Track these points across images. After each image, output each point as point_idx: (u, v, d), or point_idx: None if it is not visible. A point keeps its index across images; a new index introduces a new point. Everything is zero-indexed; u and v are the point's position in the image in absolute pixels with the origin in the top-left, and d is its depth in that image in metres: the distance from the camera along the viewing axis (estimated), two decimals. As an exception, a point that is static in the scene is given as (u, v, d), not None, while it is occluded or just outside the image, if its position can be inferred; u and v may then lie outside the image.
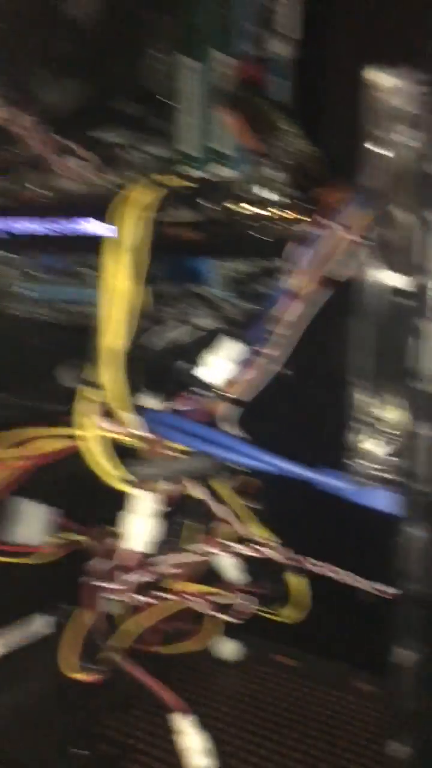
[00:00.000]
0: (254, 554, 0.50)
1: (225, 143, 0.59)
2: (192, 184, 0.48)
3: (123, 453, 0.46)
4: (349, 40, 0.61)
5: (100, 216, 0.53)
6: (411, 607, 0.35)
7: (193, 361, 0.61)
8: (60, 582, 0.61)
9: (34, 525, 0.57)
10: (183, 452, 0.45)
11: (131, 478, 0.42)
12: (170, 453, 0.45)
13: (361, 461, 0.38)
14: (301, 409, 0.61)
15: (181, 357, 0.62)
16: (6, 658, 0.60)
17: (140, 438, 0.46)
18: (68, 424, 0.53)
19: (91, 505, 0.59)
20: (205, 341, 0.60)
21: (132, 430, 0.46)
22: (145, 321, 0.61)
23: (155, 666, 0.55)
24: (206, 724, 0.53)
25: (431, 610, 0.35)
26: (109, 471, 0.45)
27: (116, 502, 0.49)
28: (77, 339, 0.72)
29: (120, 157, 0.65)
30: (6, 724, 0.54)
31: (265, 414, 0.54)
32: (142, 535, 0.44)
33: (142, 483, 0.42)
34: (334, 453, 0.42)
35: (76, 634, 0.55)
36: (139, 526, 0.44)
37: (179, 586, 0.55)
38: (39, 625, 0.64)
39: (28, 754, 0.50)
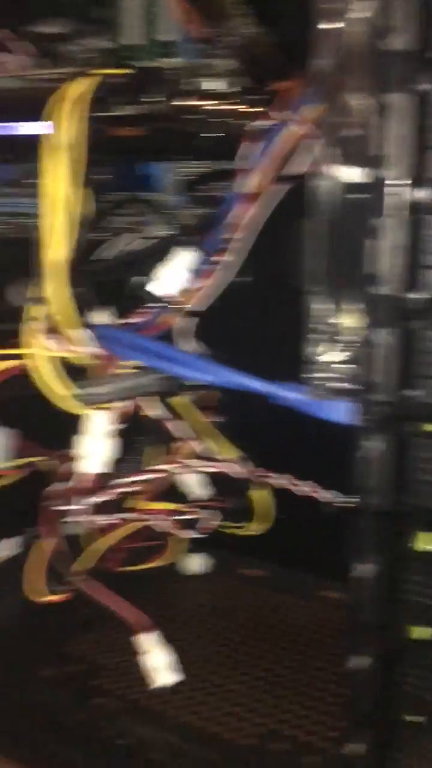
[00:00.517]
0: (216, 470, 0.49)
1: (171, 32, 0.54)
2: (131, 72, 0.43)
3: (74, 373, 0.44)
4: None
5: (37, 115, 0.49)
6: (369, 520, 0.34)
7: (145, 272, 0.58)
8: (22, 505, 0.60)
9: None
10: (135, 369, 0.42)
11: (83, 398, 0.40)
12: (122, 371, 0.43)
13: (319, 372, 0.36)
14: (256, 319, 0.58)
15: (132, 269, 0.59)
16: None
17: (90, 356, 0.43)
18: (16, 344, 0.50)
19: (48, 427, 0.57)
20: (158, 251, 0.57)
21: (81, 348, 0.43)
22: (93, 232, 0.58)
23: (122, 585, 0.55)
24: (174, 638, 0.53)
25: (389, 522, 0.34)
26: (59, 391, 0.42)
27: (74, 423, 0.47)
28: (25, 254, 0.68)
29: (60, 50, 0.60)
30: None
31: (220, 326, 0.52)
32: (98, 455, 0.42)
33: (94, 403, 0.40)
34: (292, 365, 0.41)
35: (40, 557, 0.54)
36: (95, 446, 0.42)
37: (142, 505, 0.54)
38: (3, 548, 0.63)
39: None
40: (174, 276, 0.50)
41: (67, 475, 0.49)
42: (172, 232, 0.58)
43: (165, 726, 0.45)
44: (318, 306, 0.38)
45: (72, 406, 0.42)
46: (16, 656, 0.52)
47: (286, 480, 0.51)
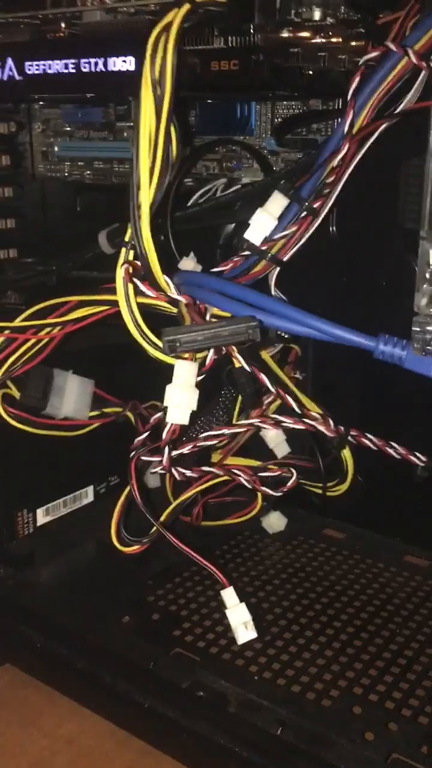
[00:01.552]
0: (302, 427, 0.47)
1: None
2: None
3: (163, 321, 0.42)
4: None
5: (128, 50, 0.47)
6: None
7: (237, 219, 0.56)
8: (104, 454, 0.61)
9: (78, 399, 0.56)
10: (224, 318, 0.40)
11: (171, 344, 0.39)
12: (210, 320, 0.41)
13: (429, 324, 0.34)
14: (356, 270, 0.55)
15: (224, 215, 0.57)
16: (55, 529, 0.60)
17: (179, 303, 0.42)
18: (107, 290, 0.49)
19: (132, 377, 0.56)
20: (251, 196, 0.54)
21: (171, 294, 0.42)
22: (185, 175, 0.56)
23: (202, 539, 0.55)
24: (253, 595, 0.53)
25: None
26: (148, 338, 0.41)
27: (159, 373, 0.46)
28: (115, 200, 0.67)
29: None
30: (56, 592, 0.55)
31: (315, 277, 0.49)
32: (183, 406, 0.41)
33: (182, 350, 0.39)
34: (393, 318, 0.38)
35: (122, 505, 0.54)
36: (180, 396, 0.41)
37: (225, 459, 0.53)
38: (87, 496, 0.64)
39: (77, 622, 0.51)
40: (267, 223, 0.48)
41: (152, 426, 0.48)
42: (266, 177, 0.56)
43: (244, 682, 0.45)
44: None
45: (160, 355, 0.41)
46: (97, 603, 0.53)
47: (377, 440, 0.48)
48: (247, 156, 0.58)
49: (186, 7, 0.38)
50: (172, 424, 0.42)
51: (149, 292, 0.41)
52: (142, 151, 0.40)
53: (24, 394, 0.53)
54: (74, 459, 0.59)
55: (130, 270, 0.42)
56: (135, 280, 0.42)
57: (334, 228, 0.54)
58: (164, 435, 0.43)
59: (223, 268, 0.48)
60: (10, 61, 0.51)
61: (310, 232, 0.48)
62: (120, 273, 0.41)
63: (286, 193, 0.47)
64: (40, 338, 0.49)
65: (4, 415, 0.51)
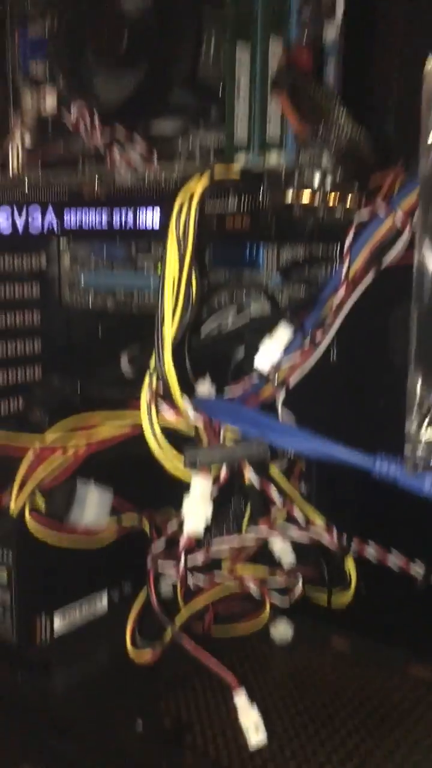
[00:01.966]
0: (307, 538, 0.51)
1: (278, 129, 0.59)
2: (242, 173, 0.48)
3: (181, 439, 0.47)
4: (396, 20, 0.60)
5: (156, 207, 0.54)
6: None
7: (246, 346, 0.62)
8: (122, 560, 0.64)
9: (97, 508, 0.60)
10: (238, 439, 0.45)
11: (190, 459, 0.43)
12: (226, 440, 0.46)
13: (420, 451, 0.39)
14: (355, 394, 0.61)
15: (235, 343, 0.63)
16: (70, 635, 0.63)
17: (196, 424, 0.47)
18: (128, 409, 0.55)
19: (151, 486, 0.61)
20: (258, 327, 0.61)
21: (190, 416, 0.47)
22: (201, 308, 0.62)
23: (209, 646, 0.57)
24: (260, 705, 0.54)
25: None
26: (170, 457, 0.46)
27: (176, 484, 0.50)
28: (137, 327, 0.74)
29: (174, 145, 0.67)
30: (71, 698, 0.57)
31: (318, 400, 0.55)
32: (199, 518, 0.45)
33: (200, 465, 0.44)
34: (390, 438, 0.43)
35: (138, 613, 0.57)
36: (197, 509, 0.45)
37: (234, 566, 0.56)
38: (102, 602, 0.66)
39: (92, 727, 0.53)
40: (274, 351, 0.54)
41: (169, 533, 0.52)
42: (273, 310, 0.62)
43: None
44: (417, 383, 0.40)
45: (180, 469, 0.46)
46: (111, 709, 0.55)
47: (377, 551, 0.52)
48: (256, 291, 0.65)
49: (205, 181, 0.46)
50: (188, 536, 0.46)
51: (171, 416, 0.46)
52: (167, 295, 0.47)
53: (49, 505, 0.57)
54: (90, 565, 0.63)
55: (152, 394, 0.48)
56: (156, 402, 0.47)
57: (335, 357, 0.60)
58: (180, 545, 0.47)
59: (235, 391, 0.54)
60: (50, 214, 0.59)
61: (314, 360, 0.54)
62: (145, 397, 0.46)
63: (292, 325, 0.54)
64: (66, 455, 0.54)
65: (31, 527, 0.55)
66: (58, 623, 0.62)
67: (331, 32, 0.58)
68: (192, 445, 0.44)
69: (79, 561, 0.61)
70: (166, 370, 0.47)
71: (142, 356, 0.66)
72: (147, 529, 0.62)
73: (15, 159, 0.73)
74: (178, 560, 0.49)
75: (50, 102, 0.73)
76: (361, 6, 0.58)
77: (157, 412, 0.47)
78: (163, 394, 0.48)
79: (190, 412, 0.47)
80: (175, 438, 0.48)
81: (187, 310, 0.47)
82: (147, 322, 0.72)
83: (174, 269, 0.47)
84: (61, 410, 0.72)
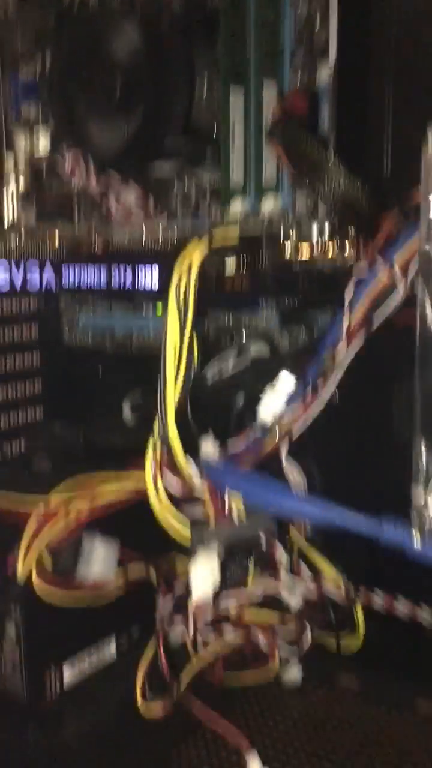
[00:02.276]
0: (314, 592, 0.51)
1: (274, 173, 0.59)
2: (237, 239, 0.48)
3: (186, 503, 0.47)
4: (388, 66, 0.59)
5: (154, 265, 0.54)
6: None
7: (249, 397, 0.62)
8: (129, 606, 0.64)
9: (104, 562, 0.59)
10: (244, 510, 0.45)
11: (198, 542, 0.43)
12: (231, 514, 0.46)
13: (426, 521, 0.39)
14: (361, 456, 0.61)
15: (235, 390, 0.63)
16: (80, 684, 0.63)
17: (204, 496, 0.47)
18: (131, 466, 0.55)
19: (157, 533, 0.60)
20: (260, 374, 0.61)
21: (196, 485, 0.47)
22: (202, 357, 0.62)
23: (219, 694, 0.57)
24: (269, 751, 0.54)
25: None
26: (180, 527, 0.46)
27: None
28: (138, 371, 0.74)
29: (170, 188, 0.66)
30: (77, 749, 0.57)
31: (323, 459, 0.55)
32: (207, 585, 0.45)
33: (208, 546, 0.43)
34: (394, 502, 0.43)
35: (147, 666, 0.57)
36: (204, 576, 0.45)
37: (243, 616, 0.56)
38: (109, 652, 0.66)
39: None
40: (277, 402, 0.53)
41: (174, 593, 0.52)
42: (273, 355, 0.62)
43: None
44: (422, 450, 0.40)
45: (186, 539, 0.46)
46: (120, 762, 0.55)
47: (384, 599, 0.52)
48: (255, 336, 0.65)
49: (204, 248, 0.46)
50: (196, 604, 0.46)
51: (177, 488, 0.46)
52: (169, 362, 0.47)
53: (56, 564, 0.57)
54: (97, 616, 0.63)
55: (155, 458, 0.48)
56: (160, 467, 0.47)
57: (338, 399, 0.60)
58: (190, 612, 0.47)
59: (238, 444, 0.54)
60: (48, 270, 0.59)
61: (317, 410, 0.54)
62: (149, 467, 0.46)
63: (294, 374, 0.54)
64: (70, 517, 0.54)
65: (40, 591, 0.55)
66: (68, 675, 0.62)
67: (324, 74, 0.58)
68: (198, 524, 0.44)
69: (87, 612, 0.61)
70: (171, 437, 0.47)
71: (144, 403, 0.65)
72: (154, 579, 0.61)
73: (10, 205, 0.73)
74: (187, 624, 0.48)
75: (44, 144, 0.72)
76: (354, 48, 0.58)
77: (160, 477, 0.47)
78: (168, 460, 0.47)
79: (196, 480, 0.47)
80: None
81: (190, 376, 0.47)
82: (147, 362, 0.73)
83: (175, 337, 0.47)
84: (64, 457, 0.73)
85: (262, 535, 0.43)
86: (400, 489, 0.40)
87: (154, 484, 0.47)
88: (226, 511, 0.46)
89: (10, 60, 0.73)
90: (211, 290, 0.49)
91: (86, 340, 0.79)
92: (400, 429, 0.44)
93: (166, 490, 0.47)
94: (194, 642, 0.52)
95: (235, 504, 0.47)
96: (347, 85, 0.58)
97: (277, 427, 0.53)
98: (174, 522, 0.46)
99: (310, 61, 0.58)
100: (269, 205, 0.59)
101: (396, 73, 0.59)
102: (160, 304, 0.70)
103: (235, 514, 0.46)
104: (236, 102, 0.60)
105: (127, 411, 0.65)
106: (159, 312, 0.71)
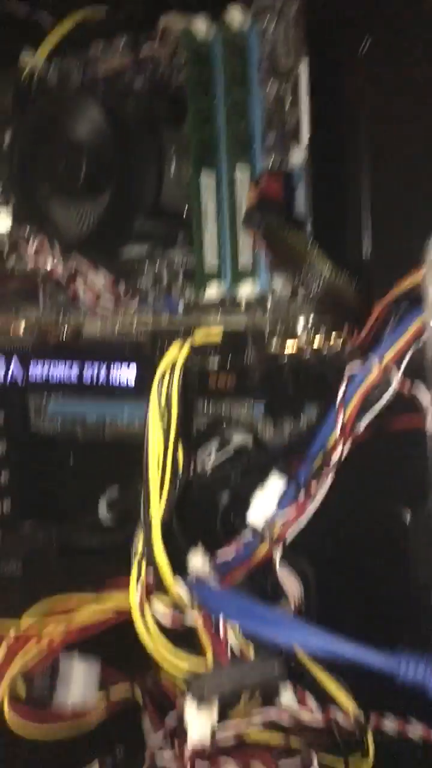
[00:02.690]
0: (321, 722, 0.46)
1: (250, 257, 0.57)
2: (224, 335, 0.45)
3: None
4: (363, 145, 0.58)
5: (130, 359, 0.51)
6: None
7: (238, 500, 0.58)
8: (113, 728, 0.58)
9: (84, 684, 0.54)
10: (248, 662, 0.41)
11: (195, 692, 0.39)
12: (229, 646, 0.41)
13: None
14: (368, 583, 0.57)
15: (224, 498, 0.59)
16: None
17: (198, 625, 0.42)
18: (113, 578, 0.50)
19: (141, 652, 0.56)
20: (249, 478, 0.57)
21: (188, 615, 0.42)
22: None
23: None
24: None
25: None
26: (172, 658, 0.41)
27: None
28: (107, 455, 0.70)
29: (141, 270, 0.63)
30: None
31: (322, 571, 0.51)
32: (204, 727, 0.41)
33: (207, 699, 0.39)
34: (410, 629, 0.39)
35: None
36: (200, 718, 0.40)
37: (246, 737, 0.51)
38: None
39: None
40: (267, 505, 0.50)
41: (166, 728, 0.47)
42: (259, 450, 0.58)
43: None
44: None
45: (180, 671, 0.41)
46: None
47: (396, 723, 0.48)
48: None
49: (186, 349, 0.42)
50: (193, 748, 0.42)
51: (166, 619, 0.42)
52: (152, 472, 0.43)
53: (30, 691, 0.51)
54: (78, 741, 0.57)
55: (141, 582, 0.43)
56: (146, 592, 0.43)
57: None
58: (186, 757, 0.42)
59: (228, 554, 0.50)
60: (14, 364, 0.54)
61: (310, 513, 0.50)
62: (135, 593, 0.42)
63: (283, 475, 0.50)
64: (44, 642, 0.49)
65: (12, 724, 0.50)
66: None
67: (298, 156, 0.56)
68: (194, 675, 0.39)
69: (67, 740, 0.56)
70: (157, 557, 0.42)
71: (121, 501, 0.61)
72: (140, 699, 0.56)
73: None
74: (183, 762, 0.43)
75: (4, 225, 0.69)
76: (327, 128, 0.57)
77: (147, 604, 0.42)
78: (155, 582, 0.43)
79: (188, 608, 0.42)
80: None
81: (176, 486, 0.43)
82: (121, 449, 0.69)
83: (159, 444, 0.43)
84: (35, 558, 0.68)
85: (271, 676, 0.38)
86: (417, 618, 0.36)
87: (140, 612, 0.42)
88: (224, 644, 0.41)
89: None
90: (194, 388, 0.45)
91: (55, 426, 0.75)
92: (417, 545, 0.41)
93: (154, 618, 0.42)
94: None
95: (232, 632, 0.42)
96: (321, 166, 0.56)
97: (269, 533, 0.49)
98: (167, 654, 0.42)
99: (281, 142, 0.57)
100: (246, 289, 0.56)
101: (373, 152, 0.57)
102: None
103: (232, 645, 0.41)
104: (207, 185, 0.58)
105: (103, 509, 0.61)
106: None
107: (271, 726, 0.52)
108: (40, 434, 0.75)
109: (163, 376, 0.43)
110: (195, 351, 0.43)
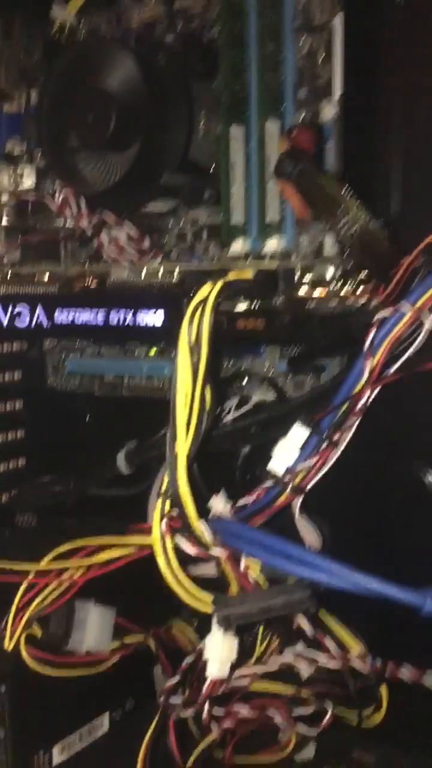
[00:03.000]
0: (338, 666, 0.46)
1: (277, 213, 0.56)
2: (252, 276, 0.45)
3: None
4: (397, 96, 0.58)
5: (157, 305, 0.51)
6: None
7: (259, 450, 0.58)
8: (122, 678, 0.58)
9: (99, 630, 0.54)
10: (275, 588, 0.41)
11: (222, 620, 0.38)
12: (258, 586, 0.41)
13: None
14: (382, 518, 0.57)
15: (243, 441, 0.59)
16: (71, 764, 0.57)
17: (222, 559, 0.42)
18: (132, 522, 0.50)
19: (156, 599, 0.56)
20: (268, 423, 0.57)
21: (213, 549, 0.42)
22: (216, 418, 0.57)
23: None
24: None
25: None
26: (193, 594, 0.41)
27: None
28: (125, 412, 0.70)
29: (166, 230, 0.63)
30: None
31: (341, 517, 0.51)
32: (224, 660, 0.41)
33: (233, 625, 0.39)
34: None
35: (145, 744, 0.52)
36: (221, 651, 0.40)
37: (256, 687, 0.51)
38: (102, 726, 0.61)
39: None
40: (289, 454, 0.50)
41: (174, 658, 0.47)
42: (281, 403, 0.58)
43: None
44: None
45: (205, 604, 0.41)
46: None
47: (411, 673, 0.48)
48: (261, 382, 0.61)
49: (220, 284, 0.42)
50: (212, 682, 0.42)
51: (191, 550, 0.42)
52: (180, 409, 0.43)
53: (46, 633, 0.51)
54: (90, 689, 0.57)
55: (164, 516, 0.43)
56: (177, 536, 0.43)
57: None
58: (204, 690, 0.42)
59: (249, 500, 0.50)
60: (39, 310, 0.54)
61: (331, 461, 0.50)
62: (158, 528, 0.42)
63: (306, 426, 0.50)
64: (62, 582, 0.49)
65: (28, 660, 0.50)
66: (57, 755, 0.56)
67: (329, 111, 0.56)
68: (220, 598, 0.39)
69: (79, 687, 0.56)
70: (182, 494, 0.42)
71: (140, 451, 0.61)
72: (153, 647, 0.56)
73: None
74: (201, 705, 0.43)
75: (29, 182, 0.69)
76: (359, 81, 0.56)
77: (169, 538, 0.42)
78: (178, 520, 0.43)
79: (211, 541, 0.42)
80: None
81: (202, 424, 0.43)
82: (139, 404, 0.69)
83: (187, 382, 0.43)
84: (51, 510, 0.68)
85: (298, 604, 0.38)
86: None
87: (162, 547, 0.42)
88: (248, 578, 0.41)
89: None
90: (222, 330, 0.45)
91: (73, 383, 0.75)
92: None
93: (176, 552, 0.42)
94: (206, 719, 0.46)
95: (252, 570, 0.42)
96: (352, 120, 0.56)
97: (289, 481, 0.49)
98: (188, 586, 0.42)
99: (313, 97, 0.56)
100: (272, 244, 0.56)
101: (403, 106, 0.57)
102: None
103: (253, 581, 0.41)
104: (237, 139, 0.58)
105: (120, 459, 0.60)
106: (152, 353, 0.67)
107: (284, 677, 0.52)
108: (57, 390, 0.76)
109: (193, 314, 0.42)
110: (226, 289, 0.43)
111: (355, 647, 0.47)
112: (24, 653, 0.50)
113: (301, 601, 0.38)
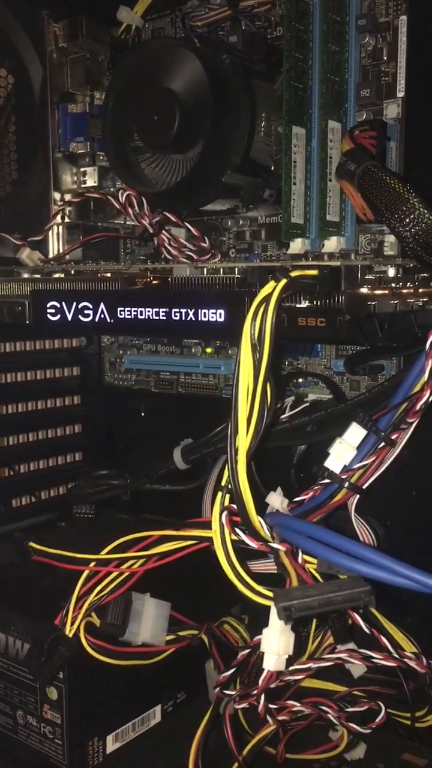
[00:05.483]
0: (393, 664, 0.46)
1: (337, 214, 0.57)
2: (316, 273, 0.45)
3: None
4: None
5: (218, 304, 0.51)
6: None
7: (310, 441, 0.58)
8: (175, 672, 0.59)
9: (154, 623, 0.55)
10: (335, 581, 0.41)
11: (284, 612, 0.39)
12: (318, 579, 0.41)
13: None
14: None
15: (297, 437, 0.59)
16: (124, 753, 0.58)
17: (279, 552, 0.43)
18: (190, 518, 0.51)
19: (211, 595, 0.57)
20: (323, 420, 0.57)
21: (269, 540, 0.43)
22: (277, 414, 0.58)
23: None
24: None
25: None
26: (251, 587, 0.42)
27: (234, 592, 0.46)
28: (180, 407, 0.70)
29: (225, 230, 0.64)
30: None
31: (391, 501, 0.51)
32: (282, 652, 0.41)
33: (297, 617, 0.39)
34: None
35: (199, 739, 0.52)
36: (278, 643, 0.41)
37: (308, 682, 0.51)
38: (155, 717, 0.62)
39: None
40: (346, 453, 0.50)
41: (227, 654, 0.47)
42: (338, 403, 0.58)
43: None
44: None
45: (257, 597, 0.42)
46: None
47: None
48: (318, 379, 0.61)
49: (283, 282, 0.42)
50: (269, 673, 0.42)
51: (251, 543, 0.42)
52: (241, 404, 0.43)
53: (104, 622, 0.53)
54: (144, 680, 0.58)
55: (224, 511, 0.44)
56: (236, 529, 0.43)
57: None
58: (261, 682, 0.43)
59: (305, 497, 0.50)
60: (102, 307, 0.56)
61: (389, 462, 0.50)
62: (218, 520, 0.42)
63: (365, 425, 0.50)
64: (122, 572, 0.50)
65: (87, 647, 0.51)
66: (110, 743, 0.58)
67: (392, 111, 0.56)
68: (280, 590, 0.39)
69: (134, 677, 0.57)
70: (241, 484, 0.43)
71: (196, 448, 0.62)
72: (206, 642, 0.57)
73: (55, 241, 0.71)
74: (258, 698, 0.44)
75: (91, 181, 0.71)
76: (422, 82, 0.56)
77: (229, 531, 0.43)
78: (238, 513, 0.44)
79: (269, 534, 0.43)
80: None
81: (263, 419, 0.44)
82: (194, 401, 0.70)
83: (248, 378, 0.43)
84: (108, 503, 0.69)
85: (359, 598, 0.38)
86: None
87: (222, 539, 0.42)
88: (306, 573, 0.41)
89: (58, 97, 0.72)
90: (283, 328, 0.45)
91: (129, 379, 0.76)
92: None
93: (234, 546, 0.43)
94: (261, 711, 0.47)
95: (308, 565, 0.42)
96: (415, 121, 0.56)
97: (346, 480, 0.49)
98: (247, 578, 0.42)
99: (376, 97, 0.56)
100: (332, 245, 0.56)
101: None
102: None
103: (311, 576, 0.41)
104: (298, 141, 0.58)
105: (177, 456, 0.61)
106: (208, 350, 0.68)
107: (335, 676, 0.52)
108: (113, 386, 0.77)
109: (257, 310, 0.43)
110: (290, 286, 0.43)
111: (409, 647, 0.47)
112: (83, 640, 0.51)
113: (362, 596, 0.38)
